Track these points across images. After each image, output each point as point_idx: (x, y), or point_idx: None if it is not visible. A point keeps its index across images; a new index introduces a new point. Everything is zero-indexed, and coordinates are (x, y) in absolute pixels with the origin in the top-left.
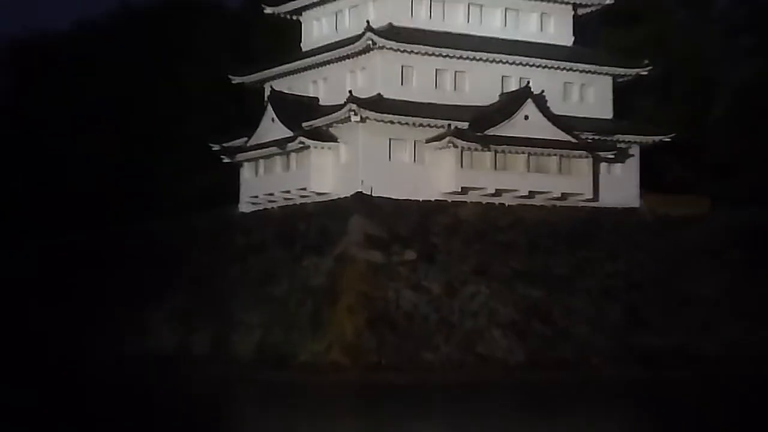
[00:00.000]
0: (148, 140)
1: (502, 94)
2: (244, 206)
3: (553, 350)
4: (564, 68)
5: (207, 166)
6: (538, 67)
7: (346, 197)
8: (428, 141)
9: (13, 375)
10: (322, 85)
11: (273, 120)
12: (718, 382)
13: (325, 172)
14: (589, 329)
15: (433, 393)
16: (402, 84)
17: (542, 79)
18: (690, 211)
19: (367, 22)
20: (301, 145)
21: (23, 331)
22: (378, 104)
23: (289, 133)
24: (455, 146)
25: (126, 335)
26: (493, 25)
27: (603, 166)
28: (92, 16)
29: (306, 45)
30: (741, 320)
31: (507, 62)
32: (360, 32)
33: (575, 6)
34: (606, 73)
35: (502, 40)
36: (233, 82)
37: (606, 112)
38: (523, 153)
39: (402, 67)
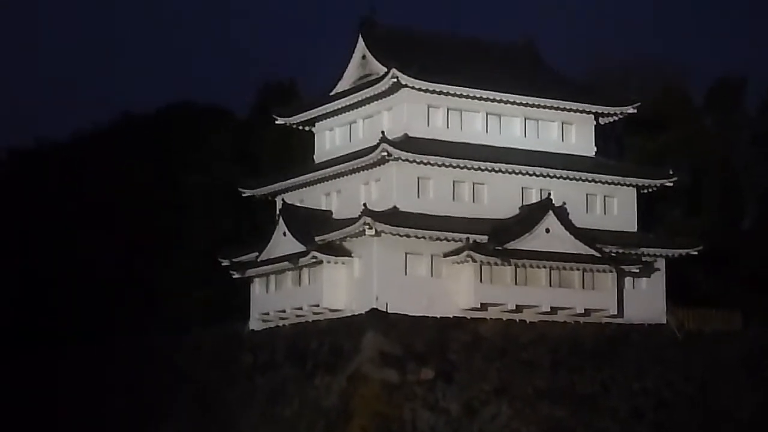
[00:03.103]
0: (148, 251)
1: (522, 206)
2: (255, 323)
3: None
4: (586, 179)
5: (209, 278)
6: (559, 178)
7: (360, 313)
8: (446, 255)
9: None
10: (335, 198)
11: (285, 234)
12: None
13: (339, 288)
14: None
15: None
16: (418, 196)
17: (564, 190)
18: (721, 327)
19: (382, 132)
20: (314, 260)
21: None
22: (393, 217)
23: (301, 248)
24: (474, 260)
25: None
26: (512, 135)
27: (628, 280)
28: (93, 124)
29: (318, 156)
30: None
31: (527, 173)
32: (374, 143)
33: (597, 115)
34: (630, 184)
35: (522, 150)
36: (243, 195)
37: (630, 224)
38: (544, 267)
39: (418, 178)
